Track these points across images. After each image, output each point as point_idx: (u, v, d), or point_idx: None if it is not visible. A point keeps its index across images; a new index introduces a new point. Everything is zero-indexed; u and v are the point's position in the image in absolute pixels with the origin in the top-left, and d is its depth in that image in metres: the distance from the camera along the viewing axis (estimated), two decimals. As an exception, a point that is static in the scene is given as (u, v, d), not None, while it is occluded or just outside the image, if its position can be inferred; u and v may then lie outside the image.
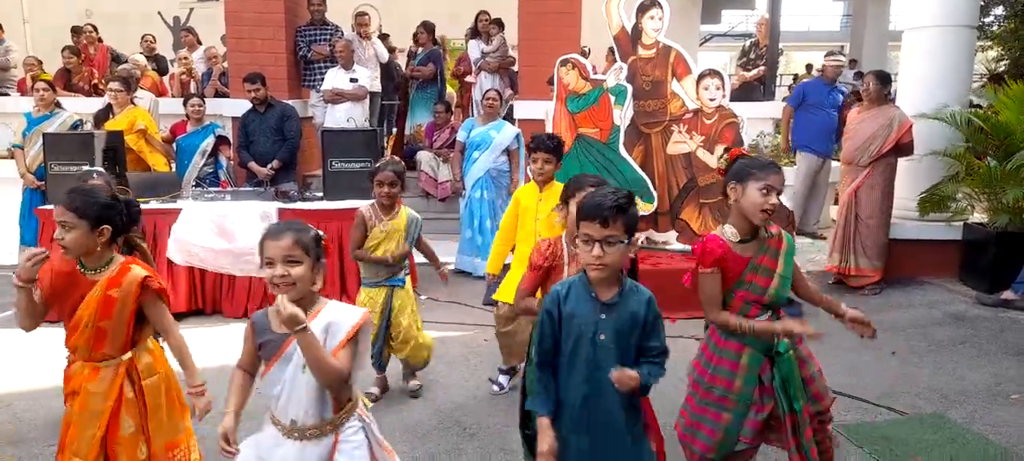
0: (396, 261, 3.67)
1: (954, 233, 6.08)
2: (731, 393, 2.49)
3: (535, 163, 3.77)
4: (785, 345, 2.50)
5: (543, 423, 2.04)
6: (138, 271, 2.34)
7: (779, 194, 2.40)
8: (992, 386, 4.01)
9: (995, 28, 12.83)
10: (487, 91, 6.58)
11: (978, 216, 6.23)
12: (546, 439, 2.00)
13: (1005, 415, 3.65)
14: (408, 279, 3.81)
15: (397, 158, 3.88)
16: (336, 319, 2.02)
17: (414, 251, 3.94)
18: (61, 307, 2.35)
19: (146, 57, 9.17)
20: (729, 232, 2.47)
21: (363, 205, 3.76)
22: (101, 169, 3.80)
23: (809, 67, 7.59)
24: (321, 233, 2.08)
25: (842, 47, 24.70)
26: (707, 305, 2.49)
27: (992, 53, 13.07)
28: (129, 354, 2.38)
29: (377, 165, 3.74)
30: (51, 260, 2.30)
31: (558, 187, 3.77)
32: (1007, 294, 5.32)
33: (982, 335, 4.82)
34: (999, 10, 12.92)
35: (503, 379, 3.98)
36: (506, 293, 3.90)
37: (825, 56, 7.79)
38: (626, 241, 1.97)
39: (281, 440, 2.03)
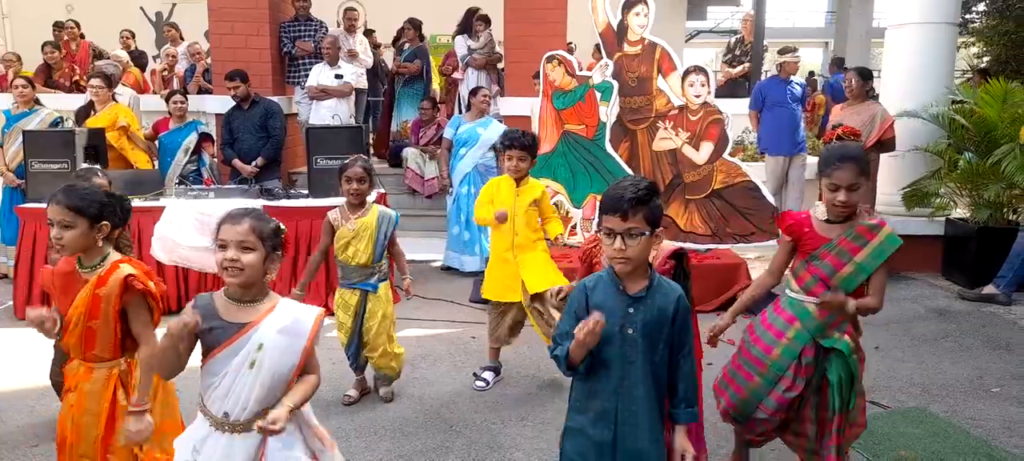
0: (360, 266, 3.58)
1: (937, 228, 6.14)
2: (767, 358, 2.57)
3: (509, 160, 3.76)
4: (848, 346, 2.53)
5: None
6: (124, 269, 2.28)
7: (853, 189, 2.43)
8: (974, 379, 4.06)
9: (976, 24, 12.96)
10: (479, 89, 6.55)
11: (960, 212, 6.29)
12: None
13: (986, 408, 3.70)
14: (383, 285, 3.69)
15: (365, 156, 3.80)
16: (293, 320, 2.00)
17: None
18: (63, 306, 2.32)
19: (126, 53, 9.08)
20: (819, 210, 2.59)
21: (332, 209, 3.67)
22: (101, 167, 3.74)
23: (781, 67, 7.49)
24: (282, 226, 2.06)
25: (826, 43, 24.86)
26: (769, 267, 2.71)
27: (974, 49, 13.21)
28: (123, 360, 2.33)
29: (345, 162, 3.62)
30: (56, 264, 2.30)
31: (533, 183, 3.81)
32: (988, 289, 5.38)
33: (964, 329, 4.88)
34: (981, 7, 13.05)
35: (487, 375, 3.97)
36: (492, 291, 3.90)
37: (779, 52, 7.80)
38: (648, 233, 1.94)
39: (210, 431, 1.98)
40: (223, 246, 1.94)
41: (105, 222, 2.30)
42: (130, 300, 2.29)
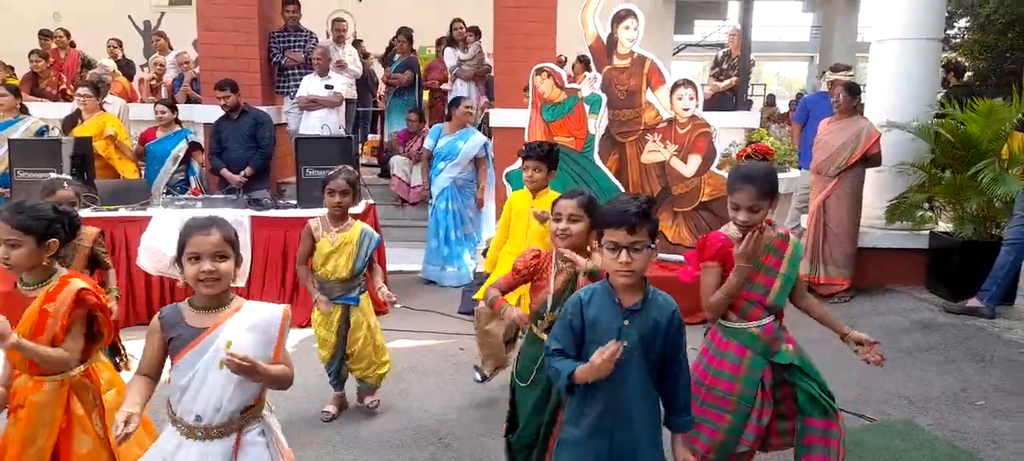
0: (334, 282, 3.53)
1: (921, 242, 6.19)
2: (732, 395, 2.52)
3: (525, 171, 3.77)
4: (802, 359, 2.54)
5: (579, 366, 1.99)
6: (75, 283, 2.28)
7: (753, 210, 2.42)
8: (958, 392, 4.10)
9: (959, 40, 13.15)
10: (461, 100, 6.52)
11: (944, 225, 6.35)
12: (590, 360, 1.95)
13: (970, 421, 3.73)
14: (364, 297, 3.65)
15: (351, 168, 3.78)
16: (260, 319, 2.00)
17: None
18: None
19: (113, 62, 9.02)
20: (731, 229, 2.55)
21: (313, 217, 3.64)
22: (69, 177, 3.72)
23: (831, 84, 7.33)
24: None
25: (812, 57, 25.10)
26: (704, 297, 2.56)
27: (956, 65, 13.36)
28: (75, 372, 2.31)
29: (330, 173, 3.59)
30: None
31: (550, 195, 3.73)
32: (972, 302, 5.43)
33: (948, 342, 4.91)
34: (963, 22, 13.24)
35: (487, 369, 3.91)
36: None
37: (831, 69, 7.77)
38: (652, 245, 2.00)
39: (181, 441, 1.97)
40: (195, 258, 1.95)
41: (53, 239, 2.30)
42: (77, 314, 2.26)
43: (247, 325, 1.98)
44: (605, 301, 2.05)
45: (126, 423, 1.88)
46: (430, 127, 8.03)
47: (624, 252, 1.96)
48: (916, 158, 6.01)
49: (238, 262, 2.03)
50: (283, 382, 2.01)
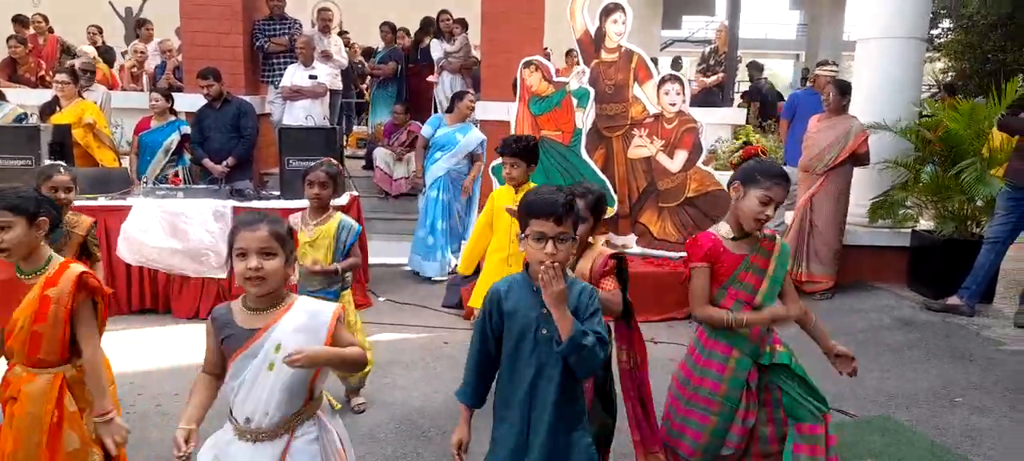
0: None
1: (903, 240, 6.25)
2: (717, 395, 2.48)
3: (504, 167, 3.70)
4: (788, 356, 2.50)
5: (463, 414, 2.18)
6: (75, 268, 2.27)
7: (779, 206, 2.41)
8: (938, 389, 4.13)
9: (942, 40, 13.27)
10: (466, 94, 6.50)
11: (926, 223, 6.41)
12: (460, 431, 2.16)
13: (950, 417, 3.77)
14: (346, 293, 3.59)
15: (333, 160, 3.73)
16: (309, 319, 1.97)
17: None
18: (2, 315, 2.27)
19: (93, 49, 8.88)
20: (723, 229, 2.51)
21: (295, 212, 3.59)
22: (64, 164, 3.66)
23: (815, 79, 7.32)
24: (292, 226, 2.05)
25: (798, 55, 25.22)
26: (694, 301, 2.52)
27: (940, 65, 13.51)
28: (71, 366, 2.28)
29: (310, 165, 3.57)
30: None
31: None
32: (953, 300, 5.48)
33: (929, 340, 4.96)
34: (947, 23, 13.36)
35: None
36: (479, 300, 3.81)
37: (817, 65, 7.81)
38: (574, 237, 2.02)
39: (233, 439, 1.96)
40: (243, 255, 1.90)
41: (43, 218, 2.29)
42: (80, 299, 2.25)
43: (295, 325, 1.94)
44: (523, 290, 2.06)
45: (186, 442, 1.87)
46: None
47: (550, 242, 1.97)
48: (900, 155, 6.05)
49: (290, 260, 1.97)
50: (355, 363, 2.02)
